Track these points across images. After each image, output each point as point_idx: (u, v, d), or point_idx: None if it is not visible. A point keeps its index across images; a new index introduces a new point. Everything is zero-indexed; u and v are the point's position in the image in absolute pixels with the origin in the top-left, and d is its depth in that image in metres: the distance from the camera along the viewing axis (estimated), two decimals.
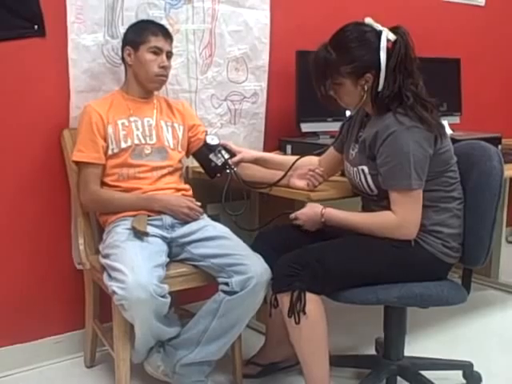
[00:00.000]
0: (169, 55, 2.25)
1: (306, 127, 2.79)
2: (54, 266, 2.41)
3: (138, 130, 2.24)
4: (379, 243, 1.93)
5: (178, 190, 2.28)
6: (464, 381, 2.30)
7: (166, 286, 1.92)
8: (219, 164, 2.25)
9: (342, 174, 2.24)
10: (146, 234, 2.06)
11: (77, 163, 2.20)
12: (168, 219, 2.17)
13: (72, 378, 2.34)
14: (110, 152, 2.20)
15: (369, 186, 1.99)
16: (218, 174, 2.28)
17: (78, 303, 2.40)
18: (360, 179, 2.01)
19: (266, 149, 2.84)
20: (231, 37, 2.69)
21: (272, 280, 1.98)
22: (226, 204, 2.20)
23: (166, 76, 2.27)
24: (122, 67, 2.31)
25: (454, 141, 2.07)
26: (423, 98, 1.93)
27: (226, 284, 1.99)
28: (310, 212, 2.04)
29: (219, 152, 2.26)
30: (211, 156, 2.26)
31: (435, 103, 1.96)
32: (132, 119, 2.24)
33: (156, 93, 2.34)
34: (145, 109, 2.28)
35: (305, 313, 1.87)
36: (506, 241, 3.51)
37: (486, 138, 2.50)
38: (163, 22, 2.41)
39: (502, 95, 3.97)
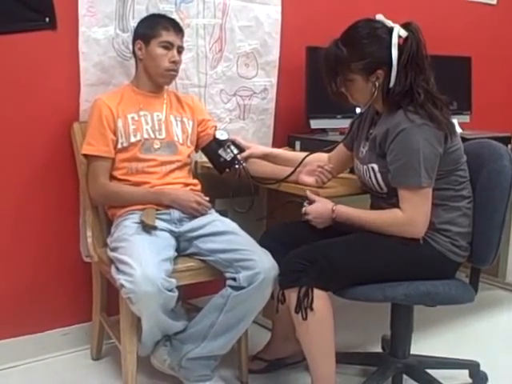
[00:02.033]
0: (179, 50, 2.25)
1: (315, 124, 2.78)
2: (62, 259, 2.42)
3: (147, 124, 2.24)
4: (388, 241, 1.92)
5: (187, 184, 2.29)
6: (470, 380, 2.30)
7: (173, 280, 1.92)
8: (228, 159, 2.25)
9: (351, 171, 2.24)
10: (155, 228, 2.07)
11: (86, 156, 2.21)
12: (176, 213, 2.17)
13: (78, 370, 2.35)
14: (119, 146, 2.20)
15: (378, 183, 1.98)
16: (227, 169, 2.28)
17: (85, 296, 2.41)
18: (370, 177, 2.00)
19: (275, 145, 2.83)
20: (242, 32, 2.69)
21: (279, 276, 1.98)
22: (234, 199, 2.20)
23: (177, 71, 2.27)
24: (133, 61, 2.31)
25: (463, 139, 2.06)
26: (434, 95, 1.92)
27: (234, 279, 1.99)
28: (322, 208, 2.03)
29: (228, 147, 2.25)
30: (220, 151, 2.26)
31: (446, 101, 1.95)
32: (142, 113, 2.24)
33: (166, 87, 2.34)
34: (154, 103, 2.28)
35: (312, 309, 1.86)
36: None
37: (496, 137, 2.49)
38: (174, 16, 2.41)
39: None
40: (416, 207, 1.90)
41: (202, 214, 2.18)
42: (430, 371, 2.19)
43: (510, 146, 2.68)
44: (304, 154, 2.23)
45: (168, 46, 2.20)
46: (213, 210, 2.25)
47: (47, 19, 2.22)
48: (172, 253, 2.05)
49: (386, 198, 1.99)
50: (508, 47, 3.85)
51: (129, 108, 2.23)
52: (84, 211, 2.33)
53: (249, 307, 2.03)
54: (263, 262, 1.99)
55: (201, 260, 2.11)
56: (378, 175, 1.97)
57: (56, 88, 2.29)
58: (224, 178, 2.31)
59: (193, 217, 2.18)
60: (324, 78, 2.01)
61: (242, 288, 1.97)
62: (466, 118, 3.36)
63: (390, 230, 1.92)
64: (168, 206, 2.17)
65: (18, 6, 2.16)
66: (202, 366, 2.10)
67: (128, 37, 2.35)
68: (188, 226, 2.16)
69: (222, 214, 2.28)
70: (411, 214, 1.90)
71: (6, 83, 2.19)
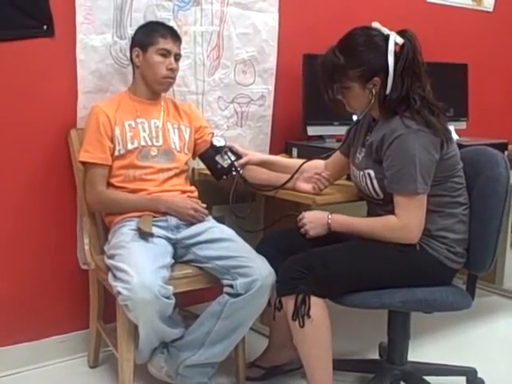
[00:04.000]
0: (177, 57, 2.25)
1: (312, 131, 2.78)
2: (59, 266, 2.41)
3: (144, 131, 2.24)
4: (384, 247, 1.93)
5: (184, 191, 2.29)
6: None
7: (170, 287, 1.92)
8: (225, 166, 2.25)
9: (348, 178, 2.24)
10: (151, 235, 2.07)
11: (83, 163, 2.21)
12: (173, 220, 2.17)
13: (75, 377, 2.35)
14: (116, 153, 2.20)
15: (375, 190, 1.99)
16: (224, 176, 2.28)
17: (82, 303, 2.41)
18: (366, 183, 2.01)
19: (272, 152, 2.84)
20: (239, 39, 2.69)
21: (277, 283, 1.98)
22: (231, 206, 2.20)
23: (174, 78, 2.27)
24: (130, 68, 2.32)
25: (460, 146, 2.07)
26: (430, 102, 1.93)
27: (231, 286, 1.99)
28: (318, 213, 2.03)
29: (225, 154, 2.25)
30: (217, 158, 2.26)
31: (442, 107, 1.96)
32: (139, 121, 2.24)
33: (163, 94, 2.34)
34: (152, 110, 2.29)
35: (309, 316, 1.87)
36: (511, 247, 3.49)
37: (493, 143, 2.49)
38: (171, 23, 2.41)
39: (509, 101, 3.96)
40: (411, 213, 1.90)
41: (199, 221, 2.19)
42: (427, 378, 2.19)
43: (506, 152, 2.67)
44: (301, 160, 2.23)
45: (165, 54, 2.21)
46: (210, 217, 2.25)
47: (45, 27, 2.22)
48: (169, 260, 2.05)
49: (383, 205, 1.99)
50: (504, 54, 3.86)
51: (126, 115, 2.23)
52: (81, 218, 2.33)
53: (246, 314, 2.03)
54: (260, 269, 1.99)
55: (198, 267, 2.11)
56: (374, 181, 1.97)
57: (53, 95, 2.29)
58: (221, 184, 2.31)
59: (190, 224, 2.18)
60: (321, 85, 2.01)
61: (239, 295, 1.97)
62: (463, 125, 3.36)
63: (385, 236, 1.92)
64: (165, 213, 2.17)
65: (16, 13, 2.16)
66: (199, 374, 2.09)
67: (125, 44, 2.35)
68: (185, 232, 2.16)
69: (219, 220, 2.29)
70: (405, 220, 1.90)
71: (3, 90, 2.19)
